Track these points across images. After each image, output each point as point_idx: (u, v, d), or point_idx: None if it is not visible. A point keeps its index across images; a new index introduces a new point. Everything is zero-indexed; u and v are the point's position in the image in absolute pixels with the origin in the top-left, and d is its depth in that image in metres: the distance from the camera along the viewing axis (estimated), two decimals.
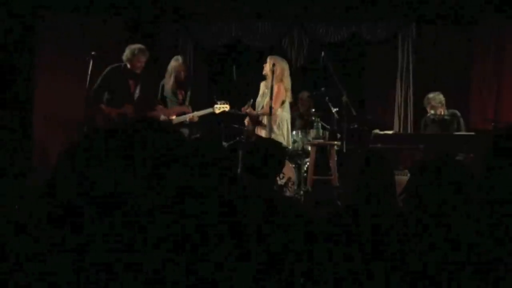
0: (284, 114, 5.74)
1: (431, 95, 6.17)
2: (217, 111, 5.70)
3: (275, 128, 5.64)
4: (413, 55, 7.22)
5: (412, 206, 1.93)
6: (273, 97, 5.59)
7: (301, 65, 7.34)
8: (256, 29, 7.28)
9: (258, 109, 5.85)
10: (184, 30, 7.36)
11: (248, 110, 5.76)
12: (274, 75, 5.60)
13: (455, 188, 1.84)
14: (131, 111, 5.57)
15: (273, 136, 5.51)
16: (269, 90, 5.66)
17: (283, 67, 5.67)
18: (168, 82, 5.89)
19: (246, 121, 5.95)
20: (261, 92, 5.87)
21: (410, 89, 7.23)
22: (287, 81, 5.66)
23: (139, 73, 5.61)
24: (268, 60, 5.73)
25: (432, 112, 6.22)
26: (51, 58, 6.71)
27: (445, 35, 7.16)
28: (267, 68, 5.71)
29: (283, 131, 5.69)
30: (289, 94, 5.75)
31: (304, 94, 6.94)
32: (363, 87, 7.50)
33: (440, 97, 6.15)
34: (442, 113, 6.17)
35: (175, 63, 5.91)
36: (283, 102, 5.71)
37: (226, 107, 5.68)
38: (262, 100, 5.82)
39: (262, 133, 5.76)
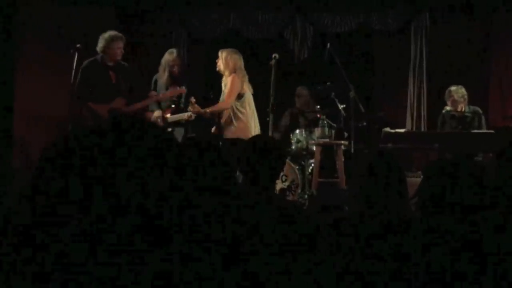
0: (245, 111, 5.59)
1: (453, 88, 6.12)
2: None
3: (235, 123, 5.56)
4: (427, 47, 7.21)
5: (425, 210, 1.92)
6: (227, 90, 5.53)
7: (305, 58, 7.33)
8: (256, 20, 7.28)
9: None
10: (179, 21, 7.36)
11: (196, 110, 5.55)
12: (228, 68, 5.57)
13: (473, 191, 1.82)
14: (123, 104, 5.60)
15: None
16: (225, 86, 5.61)
17: (236, 58, 5.59)
18: (162, 77, 5.89)
19: (213, 129, 5.82)
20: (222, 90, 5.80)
21: (424, 84, 7.22)
22: (242, 73, 5.59)
23: (120, 63, 5.63)
24: (219, 54, 5.65)
25: (448, 108, 6.20)
26: (32, 52, 6.71)
27: (461, 25, 7.15)
28: (219, 63, 5.63)
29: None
30: (247, 86, 5.63)
31: (302, 90, 6.93)
32: (372, 82, 7.49)
33: (463, 90, 6.12)
34: (463, 109, 6.13)
35: (169, 56, 5.91)
36: (241, 96, 5.59)
37: None
38: (221, 98, 5.75)
39: (229, 134, 5.59)
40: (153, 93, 5.85)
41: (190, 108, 5.55)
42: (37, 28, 6.74)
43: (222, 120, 5.62)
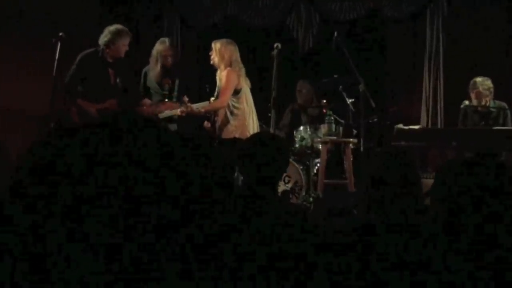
0: (243, 107, 5.59)
1: (479, 79, 6.10)
2: None
3: (232, 121, 5.56)
4: (445, 34, 7.21)
5: (438, 212, 1.92)
6: (222, 86, 5.53)
7: (310, 48, 7.34)
8: (255, 5, 7.28)
9: None
10: (170, 6, 7.37)
11: (189, 110, 5.53)
12: (223, 61, 5.56)
13: (494, 193, 1.83)
14: (114, 106, 5.57)
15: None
16: (220, 81, 5.59)
17: (231, 50, 5.58)
18: (154, 69, 5.88)
19: (205, 123, 5.86)
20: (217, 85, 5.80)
21: (441, 75, 7.21)
22: (239, 66, 5.59)
23: (120, 60, 5.61)
24: (212, 45, 5.64)
25: (467, 102, 6.19)
26: (8, 42, 6.71)
27: (482, 10, 7.14)
28: (213, 55, 5.60)
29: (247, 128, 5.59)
30: (244, 81, 5.61)
31: (303, 84, 6.93)
32: (384, 73, 7.50)
33: (489, 83, 6.09)
34: (488, 103, 6.12)
35: (161, 46, 5.90)
36: (237, 92, 5.58)
37: None
38: (216, 94, 5.74)
39: (225, 134, 5.59)
40: (146, 101, 5.83)
41: (183, 108, 5.54)
42: (13, 16, 6.73)
43: (218, 118, 5.63)
